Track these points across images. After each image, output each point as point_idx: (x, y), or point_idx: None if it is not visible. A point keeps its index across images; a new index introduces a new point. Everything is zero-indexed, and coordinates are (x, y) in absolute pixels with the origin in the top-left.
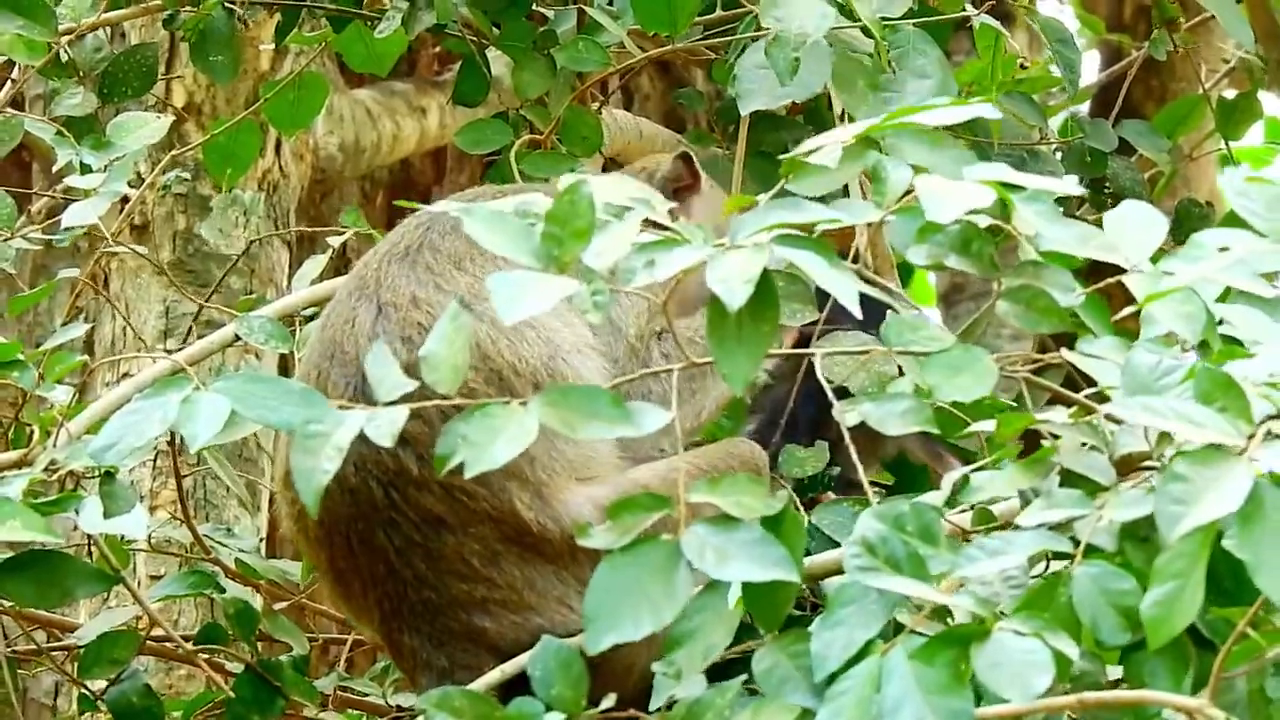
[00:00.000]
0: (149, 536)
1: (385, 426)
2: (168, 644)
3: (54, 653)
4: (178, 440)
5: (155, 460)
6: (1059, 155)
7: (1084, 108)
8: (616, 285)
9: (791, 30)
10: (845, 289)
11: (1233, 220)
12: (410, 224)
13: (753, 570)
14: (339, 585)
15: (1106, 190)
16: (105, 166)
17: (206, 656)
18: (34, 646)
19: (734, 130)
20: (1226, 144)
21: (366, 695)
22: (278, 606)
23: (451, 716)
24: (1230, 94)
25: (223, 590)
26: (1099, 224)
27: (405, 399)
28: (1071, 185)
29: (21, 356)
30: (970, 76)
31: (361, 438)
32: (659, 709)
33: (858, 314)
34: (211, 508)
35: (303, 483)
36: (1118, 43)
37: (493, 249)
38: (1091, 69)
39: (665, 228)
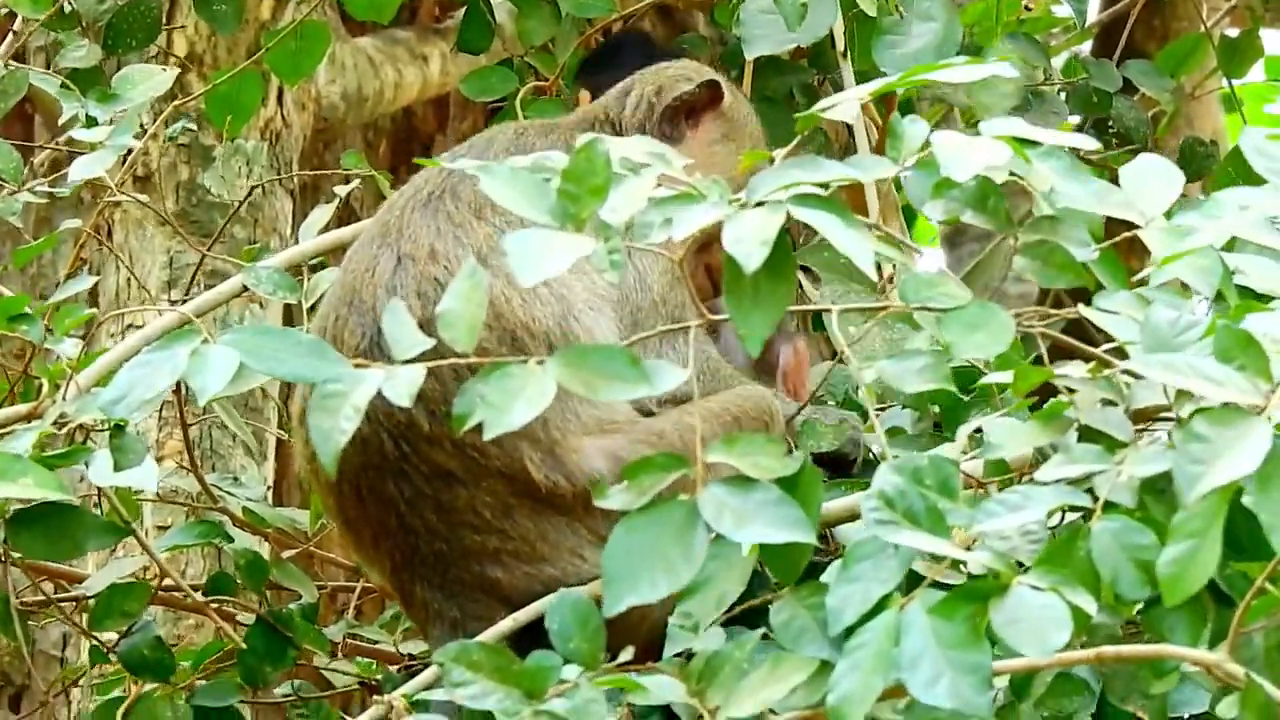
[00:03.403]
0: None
1: (403, 386)
2: (176, 594)
3: (62, 604)
4: (184, 390)
5: (161, 411)
6: (1063, 96)
7: (1085, 48)
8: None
9: None
10: (861, 251)
11: (1237, 160)
12: (435, 169)
13: (771, 532)
14: (349, 533)
15: (1111, 130)
16: (111, 119)
17: (216, 606)
18: (42, 598)
19: (738, 76)
20: (1229, 82)
21: (376, 643)
22: (286, 554)
23: (469, 670)
24: (1231, 32)
25: (230, 539)
26: (1103, 164)
27: (421, 357)
28: (1087, 141)
29: (29, 310)
30: (973, 17)
31: None
32: (674, 660)
33: (872, 275)
34: (218, 457)
35: (321, 442)
36: None
37: (509, 207)
38: (1092, 9)
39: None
